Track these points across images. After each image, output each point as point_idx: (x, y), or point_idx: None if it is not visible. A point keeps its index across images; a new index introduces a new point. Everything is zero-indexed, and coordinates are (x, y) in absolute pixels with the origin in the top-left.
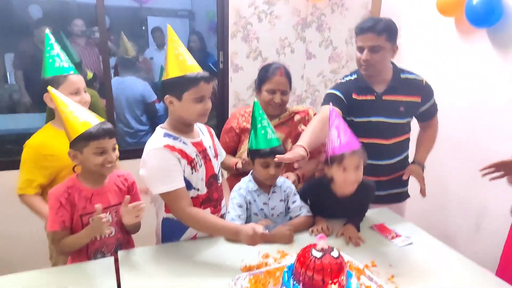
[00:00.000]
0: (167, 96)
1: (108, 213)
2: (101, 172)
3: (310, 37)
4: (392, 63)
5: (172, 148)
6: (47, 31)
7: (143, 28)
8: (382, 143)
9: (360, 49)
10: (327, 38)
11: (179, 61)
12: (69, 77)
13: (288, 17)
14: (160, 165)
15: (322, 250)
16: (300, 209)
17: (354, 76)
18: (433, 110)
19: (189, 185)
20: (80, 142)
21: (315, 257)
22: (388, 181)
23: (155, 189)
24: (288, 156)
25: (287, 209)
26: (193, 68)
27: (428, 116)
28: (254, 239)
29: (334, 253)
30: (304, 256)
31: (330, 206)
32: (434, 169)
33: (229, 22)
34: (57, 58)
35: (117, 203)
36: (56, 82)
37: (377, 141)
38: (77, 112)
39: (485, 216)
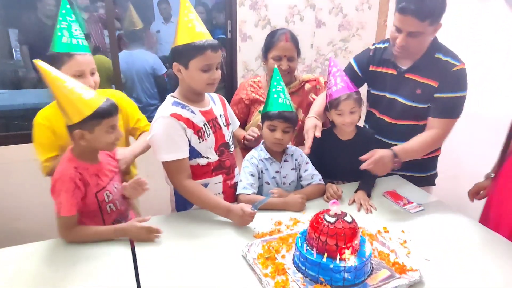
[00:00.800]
0: (175, 63)
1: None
2: (109, 150)
3: (320, 4)
4: (434, 38)
5: (178, 117)
6: None
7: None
8: (397, 123)
9: (397, 29)
10: (338, 5)
11: (188, 28)
12: (75, 57)
13: None
14: (164, 134)
15: (335, 215)
16: (312, 177)
17: (385, 45)
18: (450, 108)
19: (197, 154)
20: (91, 121)
21: (329, 222)
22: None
23: (158, 156)
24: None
25: (299, 177)
26: (201, 35)
27: (439, 110)
28: (243, 220)
29: (348, 218)
30: (317, 221)
31: (335, 151)
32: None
33: None
34: (66, 32)
35: (113, 174)
36: (60, 60)
37: (391, 120)
38: (79, 89)
39: None
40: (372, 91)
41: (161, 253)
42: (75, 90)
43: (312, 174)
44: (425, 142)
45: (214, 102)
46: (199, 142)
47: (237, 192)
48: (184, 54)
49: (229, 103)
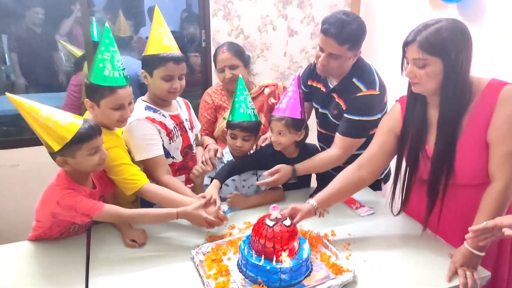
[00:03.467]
0: (142, 71)
1: None
2: (95, 170)
3: (292, 14)
4: (357, 63)
5: (153, 120)
6: (107, 24)
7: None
8: (326, 133)
9: (321, 49)
10: (309, 14)
11: (156, 40)
12: (117, 91)
13: None
14: (142, 135)
15: (275, 219)
16: None
17: None
18: (351, 128)
19: (167, 154)
20: (70, 146)
21: (268, 226)
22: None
23: (138, 156)
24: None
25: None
26: (166, 48)
27: (342, 127)
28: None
29: (286, 222)
30: (258, 225)
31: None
32: None
33: (209, 1)
34: (108, 64)
35: (101, 191)
36: (100, 93)
37: (322, 131)
38: (56, 115)
39: None
40: (313, 103)
41: (114, 257)
42: (51, 118)
43: None
44: (325, 160)
45: (180, 106)
46: (170, 143)
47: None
48: (150, 63)
49: None
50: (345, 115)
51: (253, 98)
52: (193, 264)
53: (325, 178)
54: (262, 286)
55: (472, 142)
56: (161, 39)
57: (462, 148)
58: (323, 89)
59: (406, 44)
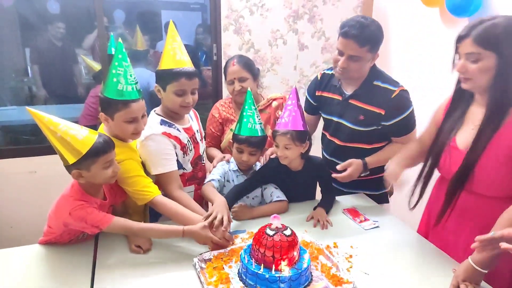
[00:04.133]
0: (156, 85)
1: None
2: (108, 183)
3: (302, 28)
4: (373, 67)
5: (169, 135)
6: (120, 40)
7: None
8: (346, 145)
9: (340, 53)
10: (320, 29)
11: (170, 55)
12: (130, 105)
13: (280, 9)
14: (158, 149)
15: (276, 228)
16: (271, 195)
17: (332, 72)
18: (404, 127)
19: (179, 166)
20: (86, 160)
21: (268, 235)
22: (355, 182)
23: (153, 170)
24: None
25: (262, 194)
26: (180, 63)
27: (396, 132)
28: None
29: (287, 232)
30: (259, 234)
31: (288, 181)
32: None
33: (221, 15)
34: (122, 78)
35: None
36: (114, 107)
37: (340, 143)
38: (73, 130)
39: None
40: (322, 114)
41: (120, 255)
42: (68, 132)
43: (271, 192)
44: (391, 152)
45: (192, 118)
46: (184, 157)
47: (206, 180)
48: (163, 78)
49: None
50: (392, 121)
51: (260, 111)
52: (194, 271)
53: (329, 191)
54: None
55: (500, 148)
56: (174, 54)
57: (487, 153)
58: (338, 97)
59: (459, 39)
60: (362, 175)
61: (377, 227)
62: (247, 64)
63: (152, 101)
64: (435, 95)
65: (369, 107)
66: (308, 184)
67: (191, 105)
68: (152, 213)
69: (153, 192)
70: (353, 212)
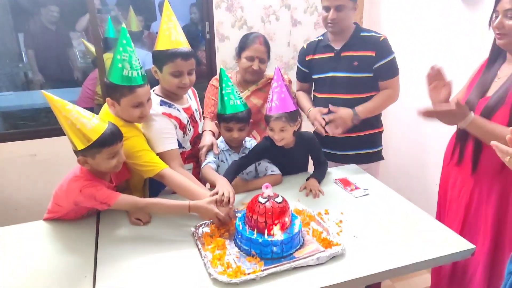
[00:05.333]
0: (153, 66)
1: None
2: (112, 171)
3: (295, 4)
4: (356, 23)
5: (169, 115)
6: (123, 25)
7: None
8: (341, 97)
9: (326, 9)
10: (312, 4)
11: (165, 35)
12: (136, 90)
13: None
14: (159, 129)
15: (268, 196)
16: (266, 169)
17: (320, 38)
18: (390, 69)
19: (179, 145)
20: (92, 149)
21: (260, 203)
22: (354, 139)
23: (156, 148)
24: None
25: (256, 169)
26: (175, 43)
27: (384, 74)
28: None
29: (278, 199)
30: (252, 203)
31: (281, 158)
32: (413, 130)
33: None
34: (127, 64)
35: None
36: (120, 92)
37: (336, 96)
38: (83, 118)
39: None
40: (315, 76)
41: (121, 227)
42: (79, 120)
43: (265, 166)
44: (382, 99)
45: (190, 97)
46: (183, 137)
47: (202, 165)
48: (159, 59)
49: None
50: (381, 62)
51: (259, 89)
52: (193, 240)
53: (321, 163)
54: (255, 257)
55: None
56: (170, 34)
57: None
58: (330, 54)
59: None
60: (355, 122)
61: (367, 194)
62: (269, 48)
63: (149, 82)
64: (422, 64)
65: (361, 52)
66: (301, 159)
67: (188, 86)
68: (152, 191)
69: (161, 165)
70: (345, 182)
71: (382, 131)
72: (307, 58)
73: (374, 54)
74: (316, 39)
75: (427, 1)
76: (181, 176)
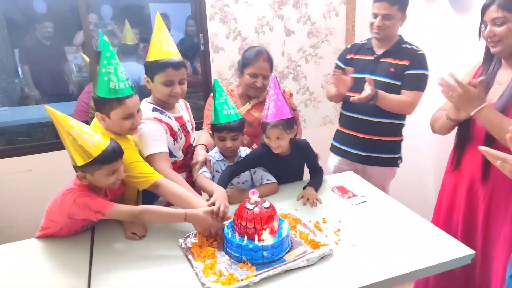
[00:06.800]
0: (145, 76)
1: None
2: (110, 187)
3: (288, 14)
4: (399, 35)
5: (160, 121)
6: (105, 38)
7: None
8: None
9: (374, 16)
10: (305, 14)
11: (156, 47)
12: (125, 102)
13: None
14: (150, 131)
15: (255, 202)
16: (261, 177)
17: (364, 41)
18: (417, 81)
19: (170, 154)
20: (92, 165)
21: (248, 209)
22: (372, 142)
23: (145, 151)
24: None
25: (252, 178)
26: (166, 54)
27: (409, 84)
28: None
29: (265, 204)
30: (240, 209)
31: (277, 166)
32: (411, 135)
33: (206, 5)
34: (113, 76)
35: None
36: (109, 105)
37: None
38: (84, 134)
39: None
40: (353, 75)
41: (116, 239)
42: (80, 136)
43: (261, 175)
44: (399, 100)
45: (182, 108)
46: (174, 144)
47: (198, 174)
48: (150, 69)
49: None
50: (411, 71)
51: (260, 103)
52: (181, 251)
53: (317, 171)
54: (247, 263)
55: None
56: (161, 45)
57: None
58: (371, 57)
59: (484, 8)
60: (371, 102)
61: (365, 202)
62: (272, 62)
63: (143, 95)
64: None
65: (398, 61)
66: (297, 167)
67: (179, 95)
68: (145, 203)
69: (155, 175)
70: (342, 189)
71: (400, 140)
72: (348, 56)
73: (408, 63)
74: (361, 42)
75: (418, 9)
76: (176, 185)
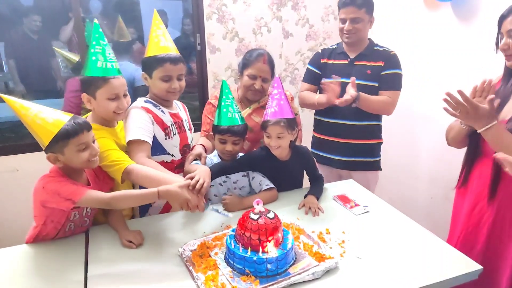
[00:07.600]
0: (142, 73)
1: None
2: (88, 167)
3: (286, 16)
4: (369, 39)
5: (148, 110)
6: (96, 21)
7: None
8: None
9: (343, 21)
10: (303, 16)
11: (154, 42)
12: (110, 81)
13: None
14: (134, 119)
15: (259, 212)
16: (260, 183)
17: (334, 46)
18: (393, 81)
19: (163, 150)
20: (57, 143)
21: (252, 219)
22: (355, 146)
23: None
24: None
25: (250, 184)
26: (164, 49)
27: (386, 84)
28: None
29: (270, 215)
30: (243, 219)
31: (276, 171)
32: (406, 141)
33: (203, 4)
34: (100, 56)
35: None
36: (94, 84)
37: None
38: (44, 113)
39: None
40: (328, 81)
41: (111, 258)
42: (38, 115)
43: (259, 181)
44: (380, 100)
45: (180, 108)
46: (165, 139)
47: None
48: (149, 65)
49: (201, 110)
50: (386, 71)
51: (261, 107)
52: (181, 260)
53: (317, 179)
54: (250, 276)
55: None
56: (158, 41)
57: None
58: (344, 61)
59: (501, 19)
60: (353, 104)
61: (367, 211)
62: (273, 66)
63: (137, 96)
64: (418, 77)
65: (373, 63)
66: (296, 173)
67: (177, 90)
68: (141, 208)
69: (127, 161)
70: (343, 198)
71: (381, 143)
72: (322, 61)
73: (383, 64)
74: (331, 47)
75: (420, 17)
76: (150, 168)
